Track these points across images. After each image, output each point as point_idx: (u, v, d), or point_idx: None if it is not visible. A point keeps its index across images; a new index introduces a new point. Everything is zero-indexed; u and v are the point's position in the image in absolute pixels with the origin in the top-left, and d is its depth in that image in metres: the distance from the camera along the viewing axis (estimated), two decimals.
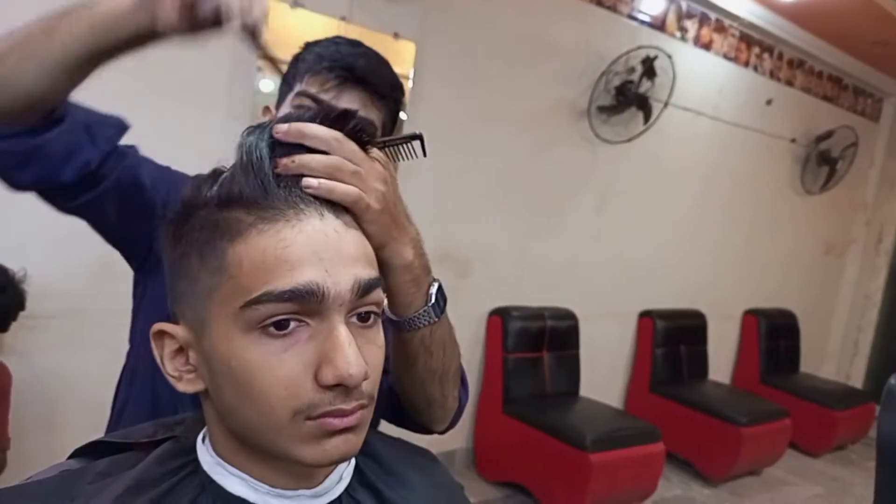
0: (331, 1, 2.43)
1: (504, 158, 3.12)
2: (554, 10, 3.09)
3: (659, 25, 3.51)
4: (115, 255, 0.95)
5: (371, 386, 0.54)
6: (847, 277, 5.36)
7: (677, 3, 3.56)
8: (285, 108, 0.93)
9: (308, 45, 0.96)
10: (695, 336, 4.06)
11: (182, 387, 0.55)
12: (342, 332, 0.51)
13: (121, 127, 0.87)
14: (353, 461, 0.62)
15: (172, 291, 0.57)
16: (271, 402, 0.50)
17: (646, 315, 3.89)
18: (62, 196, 0.83)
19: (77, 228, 0.88)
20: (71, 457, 0.62)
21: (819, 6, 3.60)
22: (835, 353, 5.39)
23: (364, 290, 0.53)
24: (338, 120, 0.60)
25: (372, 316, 0.55)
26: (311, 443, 0.51)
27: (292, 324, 0.51)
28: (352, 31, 2.46)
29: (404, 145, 0.72)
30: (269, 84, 2.40)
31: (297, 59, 0.95)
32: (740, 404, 3.62)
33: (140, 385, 0.97)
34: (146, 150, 0.94)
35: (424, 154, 0.75)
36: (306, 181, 0.55)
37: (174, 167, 0.98)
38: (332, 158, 0.58)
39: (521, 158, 3.17)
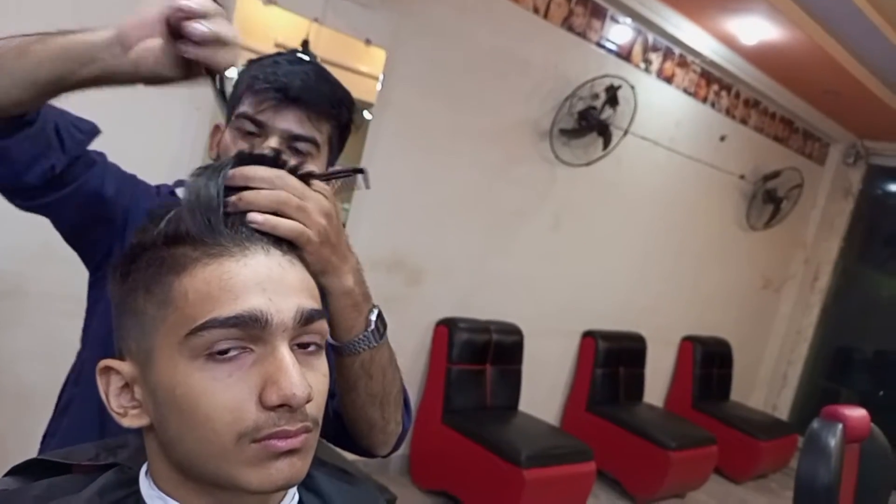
0: (305, 1, 2.42)
1: (465, 170, 3.14)
2: (526, 31, 3.13)
3: (625, 55, 3.59)
4: (59, 240, 0.95)
5: (316, 410, 0.55)
6: (782, 312, 5.57)
7: (644, 35, 3.64)
8: (230, 129, 0.93)
9: (250, 63, 0.96)
10: (634, 359, 4.15)
11: (127, 422, 0.56)
12: (285, 354, 0.52)
13: (92, 133, 0.87)
14: (296, 497, 0.63)
15: (119, 329, 0.58)
16: (216, 426, 0.51)
17: (589, 335, 3.97)
18: (22, 195, 0.84)
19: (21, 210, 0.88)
20: (7, 474, 0.62)
21: (778, 51, 3.74)
22: (764, 384, 5.59)
23: (307, 318, 0.55)
24: (276, 160, 0.63)
25: (314, 346, 0.57)
26: (256, 466, 0.52)
27: (237, 350, 0.52)
28: (324, 34, 2.45)
29: (348, 177, 0.76)
30: (232, 72, 2.36)
31: (239, 78, 0.95)
32: (671, 429, 3.73)
33: (85, 387, 0.96)
34: (104, 138, 0.93)
35: (367, 187, 0.79)
36: (252, 216, 0.58)
37: (138, 167, 0.98)
38: (278, 193, 0.62)
39: (481, 172, 3.21)
